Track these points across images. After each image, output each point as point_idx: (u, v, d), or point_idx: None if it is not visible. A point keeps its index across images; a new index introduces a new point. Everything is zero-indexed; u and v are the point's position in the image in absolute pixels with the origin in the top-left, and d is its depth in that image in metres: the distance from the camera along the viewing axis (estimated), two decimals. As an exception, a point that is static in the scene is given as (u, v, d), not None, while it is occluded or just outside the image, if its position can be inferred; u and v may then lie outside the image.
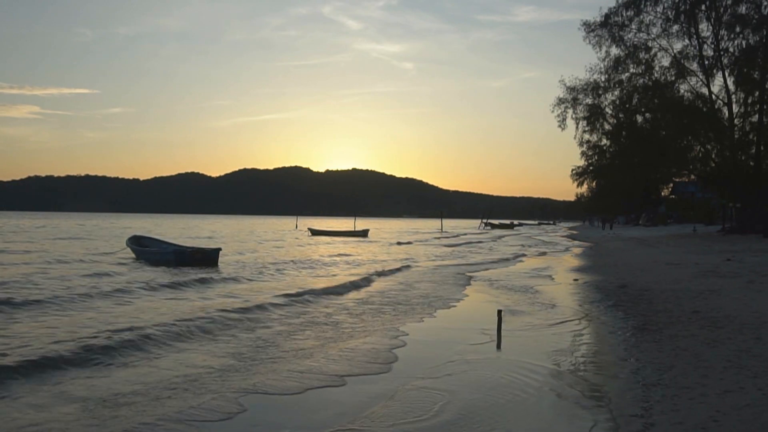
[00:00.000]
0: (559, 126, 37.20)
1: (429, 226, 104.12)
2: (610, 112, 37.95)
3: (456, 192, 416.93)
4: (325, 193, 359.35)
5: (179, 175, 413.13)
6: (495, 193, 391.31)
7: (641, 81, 35.97)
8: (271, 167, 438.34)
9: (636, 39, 34.85)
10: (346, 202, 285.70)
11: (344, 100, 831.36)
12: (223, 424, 4.61)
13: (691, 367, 5.78)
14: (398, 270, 18.49)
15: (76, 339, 7.18)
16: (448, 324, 9.26)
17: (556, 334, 8.23)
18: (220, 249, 20.82)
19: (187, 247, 22.12)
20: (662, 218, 66.46)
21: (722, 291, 10.97)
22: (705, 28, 33.95)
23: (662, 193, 69.25)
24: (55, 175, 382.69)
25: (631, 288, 12.57)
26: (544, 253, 29.63)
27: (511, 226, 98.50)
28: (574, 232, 72.02)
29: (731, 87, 34.08)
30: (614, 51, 35.35)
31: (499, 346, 7.53)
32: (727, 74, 33.85)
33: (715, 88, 34.55)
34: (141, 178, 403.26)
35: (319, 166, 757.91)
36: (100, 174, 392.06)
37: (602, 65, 35.90)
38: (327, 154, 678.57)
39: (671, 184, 59.05)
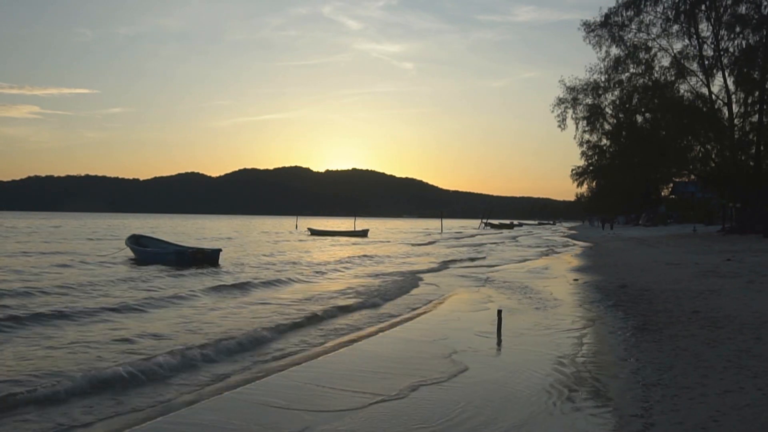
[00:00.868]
0: (559, 126, 37.26)
1: (429, 225, 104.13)
2: (610, 112, 37.99)
3: (456, 192, 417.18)
4: (325, 193, 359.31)
5: (179, 175, 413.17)
6: (495, 193, 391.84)
7: (641, 81, 36.00)
8: (271, 167, 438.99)
9: (636, 39, 34.91)
10: (346, 202, 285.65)
11: (344, 100, 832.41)
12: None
13: (691, 367, 5.78)
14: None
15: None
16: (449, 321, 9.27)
17: (556, 334, 8.22)
18: (220, 249, 20.81)
19: (188, 247, 22.09)
20: (662, 218, 66.46)
21: (722, 291, 10.96)
22: (705, 28, 34.02)
23: (662, 193, 69.28)
24: (55, 175, 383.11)
25: (631, 288, 12.56)
26: (544, 253, 29.62)
27: (510, 226, 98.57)
28: (574, 232, 71.99)
29: (731, 87, 34.14)
30: (614, 51, 35.43)
31: (499, 346, 7.53)
32: (727, 74, 33.88)
33: (715, 88, 34.62)
34: (141, 178, 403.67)
35: (319, 166, 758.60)
36: (100, 174, 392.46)
37: (602, 65, 35.97)
38: (327, 154, 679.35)
39: (671, 184, 59.10)
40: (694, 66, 34.60)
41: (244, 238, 43.32)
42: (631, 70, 35.89)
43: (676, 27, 34.01)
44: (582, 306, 10.81)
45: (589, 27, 35.29)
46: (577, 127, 38.06)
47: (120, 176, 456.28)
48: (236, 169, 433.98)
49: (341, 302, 11.21)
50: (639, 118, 38.36)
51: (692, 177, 41.65)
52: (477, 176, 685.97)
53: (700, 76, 34.43)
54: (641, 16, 34.55)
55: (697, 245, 26.13)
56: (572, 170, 44.52)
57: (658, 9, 34.21)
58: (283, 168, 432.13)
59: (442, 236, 55.79)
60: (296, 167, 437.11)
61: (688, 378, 5.41)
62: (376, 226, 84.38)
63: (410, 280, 15.61)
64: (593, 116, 37.32)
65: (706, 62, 33.90)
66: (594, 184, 53.68)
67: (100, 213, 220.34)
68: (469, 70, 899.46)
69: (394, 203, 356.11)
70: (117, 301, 10.78)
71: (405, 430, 4.48)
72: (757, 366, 5.64)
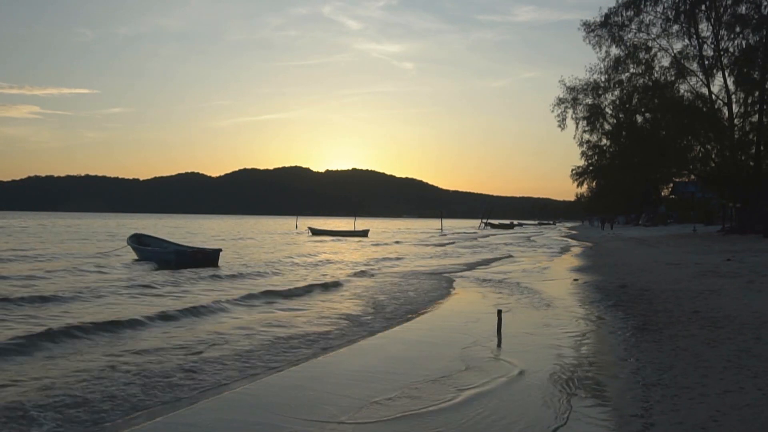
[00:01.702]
0: (559, 126, 37.23)
1: (430, 225, 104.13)
2: (610, 112, 37.95)
3: (456, 192, 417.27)
4: (325, 193, 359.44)
5: (179, 175, 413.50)
6: (495, 193, 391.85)
7: (641, 81, 35.96)
8: (271, 167, 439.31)
9: (636, 39, 34.87)
10: (346, 202, 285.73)
11: (344, 100, 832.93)
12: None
13: (691, 367, 5.78)
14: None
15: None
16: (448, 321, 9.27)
17: (556, 334, 8.22)
18: (220, 249, 20.80)
19: (188, 247, 22.10)
20: (662, 218, 66.45)
21: (722, 291, 10.96)
22: (705, 28, 33.98)
23: (662, 193, 69.29)
24: (55, 175, 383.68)
25: (631, 288, 12.57)
26: (544, 253, 29.63)
27: (510, 226, 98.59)
28: (574, 232, 72.00)
29: (731, 87, 34.11)
30: (614, 51, 35.39)
31: (499, 346, 7.53)
32: (727, 74, 33.85)
33: (715, 88, 34.59)
34: (141, 178, 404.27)
35: (319, 166, 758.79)
36: (100, 174, 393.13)
37: (602, 65, 35.93)
38: (327, 154, 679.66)
39: (671, 184, 59.12)
40: (694, 66, 34.61)
41: (260, 238, 43.12)
42: (631, 70, 35.89)
43: (676, 27, 34.02)
44: (582, 306, 10.81)
45: (589, 27, 35.29)
46: (577, 127, 38.08)
47: (120, 176, 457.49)
48: (236, 169, 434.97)
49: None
50: (639, 118, 38.33)
51: (692, 177, 41.62)
52: (477, 176, 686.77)
53: (700, 76, 34.43)
54: (641, 16, 34.55)
55: (697, 245, 26.12)
56: (572, 170, 44.55)
57: (658, 9, 34.22)
58: (283, 168, 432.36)
59: (458, 236, 55.82)
60: (296, 167, 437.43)
61: (688, 378, 5.41)
62: (376, 226, 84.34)
63: (443, 281, 15.51)
64: (593, 116, 37.30)
65: (706, 62, 33.89)
66: (594, 184, 53.69)
67: (100, 213, 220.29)
68: (469, 70, 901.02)
69: (394, 203, 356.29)
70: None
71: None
72: (757, 366, 5.64)
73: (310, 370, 6.31)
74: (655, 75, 35.46)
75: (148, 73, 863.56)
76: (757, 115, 33.67)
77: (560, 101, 37.09)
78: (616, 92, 37.06)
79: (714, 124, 33.66)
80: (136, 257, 21.15)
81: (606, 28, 34.87)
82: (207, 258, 19.58)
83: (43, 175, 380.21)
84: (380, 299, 11.84)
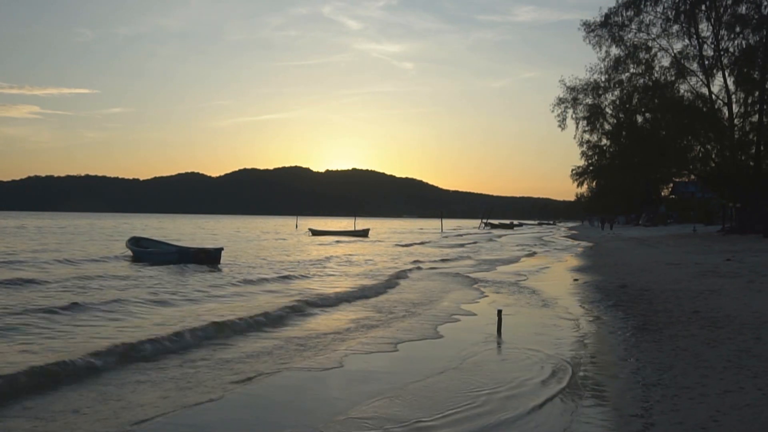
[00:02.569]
0: (559, 126, 37.20)
1: (430, 226, 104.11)
2: (610, 112, 37.93)
3: (456, 192, 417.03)
4: (325, 193, 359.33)
5: (179, 175, 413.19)
6: (495, 193, 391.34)
7: (641, 81, 35.95)
8: (271, 167, 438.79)
9: (636, 39, 34.86)
10: (346, 202, 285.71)
11: (344, 100, 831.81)
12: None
13: (691, 367, 5.78)
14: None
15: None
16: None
17: (556, 334, 8.23)
18: (222, 248, 20.89)
19: (190, 247, 22.15)
20: (662, 218, 66.48)
21: (722, 291, 10.97)
22: (705, 28, 33.98)
23: (662, 193, 69.31)
24: (55, 175, 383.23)
25: (631, 288, 12.57)
26: (544, 253, 29.64)
27: (510, 226, 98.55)
28: (574, 232, 72.02)
29: (731, 87, 34.11)
30: (614, 51, 35.37)
31: (499, 346, 7.54)
32: (727, 74, 33.85)
33: (715, 88, 34.58)
34: (141, 178, 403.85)
35: (319, 166, 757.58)
36: (100, 174, 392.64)
37: (602, 65, 35.91)
38: (327, 154, 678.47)
39: (671, 184, 59.13)
40: (694, 66, 34.60)
41: (274, 239, 42.92)
42: (631, 70, 35.87)
43: (676, 27, 34.01)
44: (582, 306, 10.81)
45: (589, 27, 35.28)
46: (577, 127, 38.04)
47: (120, 176, 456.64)
48: (236, 169, 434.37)
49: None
50: (639, 118, 38.31)
51: (692, 177, 41.62)
52: (477, 176, 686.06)
53: (700, 76, 34.43)
54: (641, 16, 34.54)
55: (697, 245, 26.13)
56: (572, 170, 44.47)
57: (658, 9, 34.22)
58: (283, 168, 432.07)
59: (473, 236, 55.79)
60: (296, 167, 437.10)
61: (688, 378, 5.42)
62: (376, 226, 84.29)
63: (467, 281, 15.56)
64: (593, 116, 37.28)
65: (706, 62, 33.88)
66: (594, 184, 53.66)
67: (100, 213, 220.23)
68: (469, 70, 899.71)
69: (394, 203, 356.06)
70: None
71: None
72: (757, 366, 5.65)
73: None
74: (655, 75, 35.47)
75: (148, 73, 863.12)
76: (757, 115, 33.68)
77: (560, 101, 37.09)
78: (616, 92, 37.07)
79: (714, 124, 33.67)
80: (136, 258, 21.16)
81: (606, 28, 34.88)
82: (209, 257, 19.66)
83: (43, 175, 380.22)
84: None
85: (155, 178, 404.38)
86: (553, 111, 37.26)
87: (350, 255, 26.37)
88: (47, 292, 11.77)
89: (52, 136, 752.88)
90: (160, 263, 19.03)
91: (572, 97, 36.93)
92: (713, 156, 36.06)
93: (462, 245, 38.12)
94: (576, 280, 15.49)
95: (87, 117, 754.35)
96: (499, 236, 58.36)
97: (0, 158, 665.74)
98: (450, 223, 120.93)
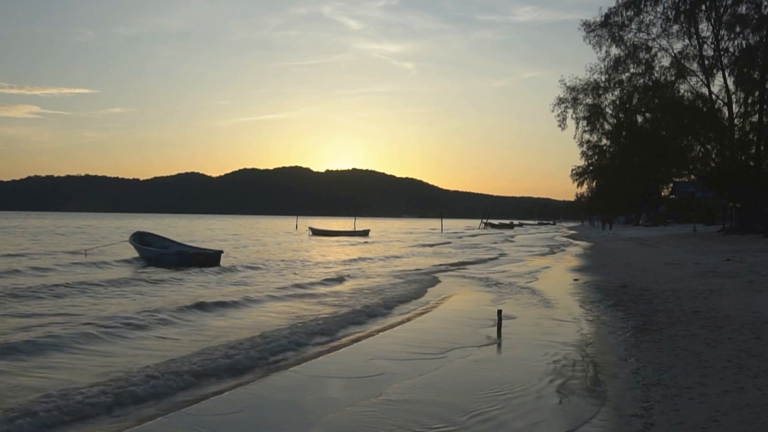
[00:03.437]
0: (559, 126, 37.19)
1: (431, 225, 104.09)
2: (610, 112, 37.91)
3: (456, 192, 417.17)
4: (325, 193, 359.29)
5: (179, 175, 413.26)
6: (495, 193, 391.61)
7: (641, 81, 35.92)
8: (271, 167, 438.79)
9: (636, 39, 34.83)
10: (346, 202, 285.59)
11: (344, 100, 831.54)
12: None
13: (691, 367, 5.79)
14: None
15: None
16: (448, 322, 9.27)
17: (556, 333, 8.23)
18: (222, 251, 20.82)
19: (190, 247, 22.12)
20: (662, 218, 66.46)
21: (722, 291, 10.97)
22: (705, 28, 33.94)
23: (662, 193, 69.21)
24: (55, 175, 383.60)
25: (631, 288, 12.57)
26: (544, 253, 29.64)
27: (510, 226, 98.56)
28: (574, 232, 72.04)
29: (731, 87, 34.07)
30: (614, 51, 35.33)
31: (499, 346, 7.54)
32: (727, 74, 33.83)
33: (715, 88, 34.55)
34: (141, 178, 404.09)
35: (319, 166, 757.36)
36: (100, 174, 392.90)
37: (602, 65, 35.87)
38: (327, 154, 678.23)
39: (671, 184, 59.03)
40: (694, 66, 34.57)
41: (289, 240, 42.80)
42: (631, 70, 35.83)
43: (676, 27, 33.98)
44: (582, 306, 10.82)
45: (589, 27, 35.26)
46: (577, 127, 38.03)
47: (120, 176, 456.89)
48: (236, 169, 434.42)
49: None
50: (639, 118, 38.28)
51: (692, 177, 41.59)
52: (477, 176, 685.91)
53: (700, 76, 34.40)
54: (641, 16, 34.51)
55: (697, 245, 26.13)
56: (572, 170, 44.44)
57: (658, 9, 34.19)
58: (283, 168, 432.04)
59: (486, 236, 55.82)
60: (296, 167, 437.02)
61: (688, 378, 5.42)
62: (377, 226, 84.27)
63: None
64: (593, 116, 37.26)
65: (706, 62, 33.86)
66: (594, 184, 53.62)
67: (100, 213, 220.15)
68: (469, 70, 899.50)
69: (394, 203, 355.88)
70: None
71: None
72: (757, 366, 5.65)
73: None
74: (655, 75, 35.44)
75: (148, 73, 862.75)
76: (757, 115, 33.65)
77: (560, 101, 37.07)
78: (617, 92, 37.04)
79: (714, 124, 33.65)
80: (137, 255, 21.14)
81: (606, 28, 34.86)
82: (208, 259, 19.59)
83: (43, 175, 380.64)
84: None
85: (155, 178, 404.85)
86: (553, 111, 37.28)
87: (396, 257, 26.03)
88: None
89: (52, 136, 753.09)
90: (160, 263, 19.00)
91: (572, 97, 36.94)
92: (713, 156, 36.04)
93: (474, 246, 37.58)
94: (576, 280, 15.49)
95: (87, 117, 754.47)
96: (513, 236, 58.43)
97: (0, 158, 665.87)
98: (450, 223, 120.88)
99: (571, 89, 36.81)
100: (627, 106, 37.31)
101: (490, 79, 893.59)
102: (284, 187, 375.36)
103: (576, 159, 68.92)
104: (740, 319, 8.12)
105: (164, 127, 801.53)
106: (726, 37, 33.18)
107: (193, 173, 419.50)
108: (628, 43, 34.86)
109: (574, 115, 37.23)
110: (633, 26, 34.66)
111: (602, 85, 36.47)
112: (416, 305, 11.18)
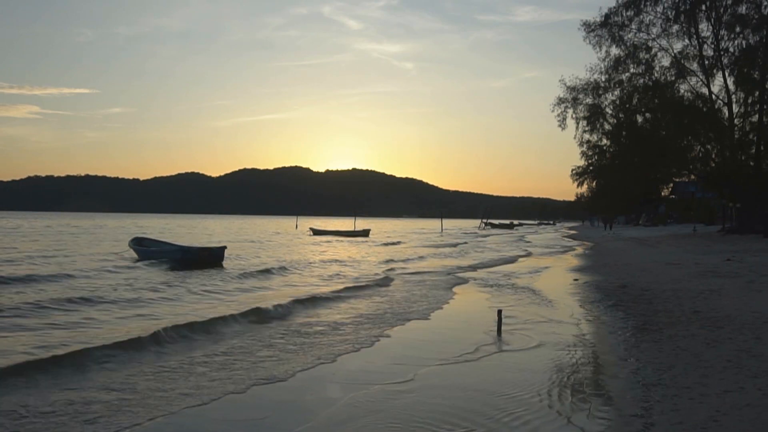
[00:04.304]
0: (559, 126, 37.16)
1: (431, 225, 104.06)
2: (610, 112, 37.87)
3: (456, 192, 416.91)
4: (325, 193, 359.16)
5: (179, 175, 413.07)
6: (495, 193, 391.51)
7: (641, 81, 35.89)
8: (271, 167, 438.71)
9: (636, 39, 34.80)
10: (346, 202, 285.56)
11: (344, 100, 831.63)
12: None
13: (691, 367, 5.79)
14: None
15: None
16: (447, 323, 9.28)
17: (556, 334, 8.24)
18: (225, 247, 20.99)
19: (194, 246, 22.23)
20: (662, 218, 66.43)
21: (722, 291, 10.98)
22: (705, 28, 33.91)
23: (662, 193, 69.17)
24: (55, 175, 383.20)
25: (631, 288, 12.58)
26: (544, 253, 29.64)
27: (510, 226, 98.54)
28: (574, 232, 72.05)
29: (731, 87, 34.03)
30: (614, 51, 35.30)
31: (499, 346, 7.54)
32: (727, 74, 33.80)
33: (715, 88, 34.52)
34: (141, 178, 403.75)
35: (319, 166, 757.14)
36: (100, 174, 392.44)
37: (602, 65, 35.84)
38: (327, 154, 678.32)
39: (671, 184, 59.01)
40: (694, 66, 34.55)
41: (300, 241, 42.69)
42: (631, 70, 35.80)
43: (676, 27, 33.95)
44: (582, 306, 10.82)
45: (589, 27, 35.23)
46: (577, 127, 38.00)
47: (120, 176, 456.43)
48: (236, 169, 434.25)
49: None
50: (639, 118, 38.25)
51: (692, 177, 41.58)
52: (477, 176, 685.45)
53: (700, 76, 34.38)
54: (641, 16, 34.48)
55: (697, 245, 26.14)
56: (572, 170, 44.39)
57: (658, 9, 34.16)
58: (283, 168, 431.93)
59: (495, 237, 55.88)
60: (296, 167, 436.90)
61: (688, 378, 5.42)
62: (376, 226, 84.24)
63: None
64: (593, 116, 37.23)
65: (706, 62, 33.85)
66: (594, 184, 53.61)
67: (101, 213, 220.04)
68: (469, 70, 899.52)
69: (394, 203, 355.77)
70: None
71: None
72: (757, 366, 5.65)
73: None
74: (655, 75, 35.42)
75: (148, 73, 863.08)
76: (757, 115, 33.63)
77: (560, 101, 37.04)
78: (617, 92, 36.99)
79: (714, 124, 33.64)
80: (138, 258, 21.16)
81: (606, 28, 34.84)
82: (213, 256, 19.73)
83: (43, 175, 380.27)
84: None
85: (155, 178, 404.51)
86: (553, 111, 37.25)
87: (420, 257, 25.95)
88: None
89: (52, 136, 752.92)
90: (165, 263, 19.01)
91: (572, 96, 36.91)
92: (713, 156, 36.03)
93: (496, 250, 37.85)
94: (576, 280, 15.49)
95: (87, 117, 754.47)
96: (523, 236, 58.41)
97: (0, 158, 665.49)
98: (450, 223, 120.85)
99: (571, 89, 36.81)
100: (627, 106, 37.28)
101: (490, 79, 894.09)
102: (284, 187, 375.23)
103: (576, 159, 68.96)
104: (740, 319, 8.13)
105: (164, 127, 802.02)
106: (726, 37, 33.19)
107: (193, 173, 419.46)
108: (628, 43, 34.85)
109: (574, 115, 37.24)
110: (633, 26, 34.66)
111: (602, 85, 36.47)
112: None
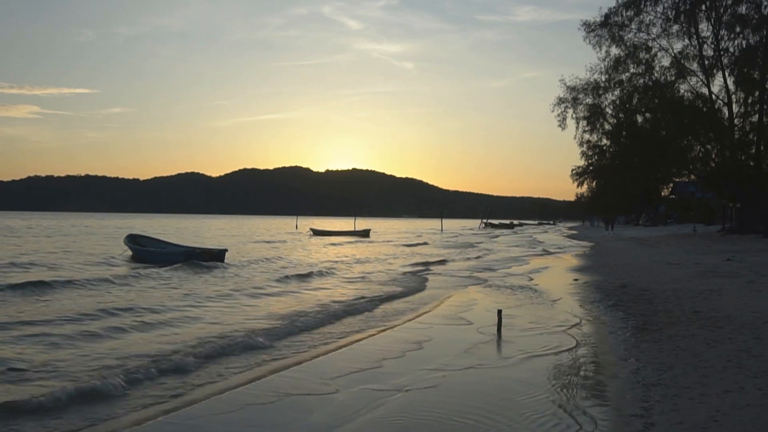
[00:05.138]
0: (560, 126, 37.16)
1: (431, 225, 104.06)
2: (610, 112, 37.87)
3: (456, 192, 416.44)
4: (325, 193, 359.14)
5: (179, 175, 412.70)
6: (495, 193, 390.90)
7: (641, 81, 35.90)
8: (271, 167, 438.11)
9: (636, 39, 34.82)
10: (346, 202, 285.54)
11: (344, 100, 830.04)
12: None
13: (691, 367, 5.79)
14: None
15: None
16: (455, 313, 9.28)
17: (556, 334, 8.23)
18: (226, 249, 21.03)
19: (195, 247, 22.21)
20: (662, 218, 66.45)
21: (722, 291, 10.98)
22: (705, 28, 33.94)
23: (662, 193, 69.20)
24: (55, 175, 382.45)
25: (631, 288, 12.58)
26: (544, 254, 29.64)
27: (511, 227, 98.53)
28: (574, 232, 72.08)
29: (731, 87, 34.06)
30: (614, 51, 35.32)
31: (499, 346, 7.54)
32: (727, 74, 33.82)
33: (715, 88, 34.54)
34: (141, 178, 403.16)
35: (319, 166, 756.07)
36: (100, 174, 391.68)
37: (602, 65, 35.85)
38: (327, 154, 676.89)
39: (671, 184, 59.03)
40: (694, 66, 34.57)
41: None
42: (631, 70, 35.82)
43: (676, 27, 33.98)
44: (582, 306, 10.82)
45: (589, 27, 35.25)
46: (577, 127, 37.99)
47: (120, 176, 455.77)
48: (236, 169, 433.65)
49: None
50: (639, 118, 38.27)
51: (692, 177, 41.60)
52: (477, 176, 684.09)
53: (700, 76, 34.40)
54: (641, 16, 34.50)
55: (697, 245, 26.14)
56: (572, 170, 44.38)
57: (658, 9, 34.18)
58: (283, 168, 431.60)
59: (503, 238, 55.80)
60: (296, 167, 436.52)
61: (688, 378, 5.42)
62: (376, 226, 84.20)
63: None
64: (593, 116, 37.23)
65: (706, 62, 33.86)
66: (594, 184, 53.62)
67: (101, 213, 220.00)
68: (469, 70, 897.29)
69: (395, 203, 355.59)
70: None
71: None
72: (757, 366, 5.66)
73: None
74: (655, 75, 35.43)
75: (148, 73, 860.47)
76: (757, 115, 33.65)
77: (560, 101, 37.04)
78: (617, 92, 36.99)
79: (714, 124, 33.65)
80: (133, 256, 21.13)
81: (606, 28, 34.85)
82: (214, 257, 19.76)
83: (43, 175, 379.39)
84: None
85: (155, 178, 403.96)
86: (553, 111, 37.25)
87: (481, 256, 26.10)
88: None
89: (52, 136, 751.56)
90: (164, 263, 18.97)
91: (572, 96, 36.90)
92: (713, 156, 36.04)
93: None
94: (576, 280, 15.50)
95: (87, 117, 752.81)
96: (536, 236, 58.40)
97: (0, 158, 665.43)
98: (450, 223, 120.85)
99: (571, 89, 36.81)
100: (627, 106, 37.29)
101: (490, 79, 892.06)
102: (284, 187, 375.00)
103: (576, 159, 68.84)
104: (740, 319, 8.13)
105: (164, 127, 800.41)
106: (726, 37, 33.21)
107: (193, 173, 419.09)
108: (628, 43, 34.88)
109: (574, 115, 37.24)
110: (633, 26, 34.69)
111: (602, 85, 36.47)
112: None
